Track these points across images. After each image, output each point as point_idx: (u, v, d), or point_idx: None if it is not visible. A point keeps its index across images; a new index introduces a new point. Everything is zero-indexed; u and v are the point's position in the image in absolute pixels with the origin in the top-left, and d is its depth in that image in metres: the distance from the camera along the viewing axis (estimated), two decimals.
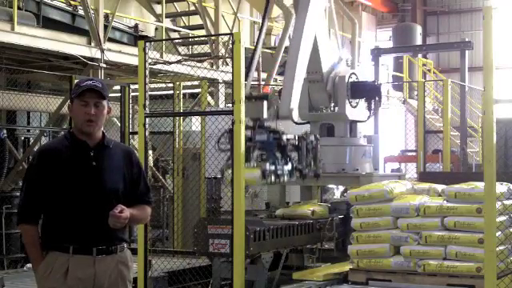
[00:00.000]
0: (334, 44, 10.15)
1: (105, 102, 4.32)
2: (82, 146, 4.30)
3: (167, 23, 15.60)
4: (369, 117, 9.21)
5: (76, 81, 9.48)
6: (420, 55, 22.17)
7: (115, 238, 4.31)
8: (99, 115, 4.29)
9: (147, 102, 7.40)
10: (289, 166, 7.60)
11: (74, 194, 4.22)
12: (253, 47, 16.66)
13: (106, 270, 4.26)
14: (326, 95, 8.93)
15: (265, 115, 7.78)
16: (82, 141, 4.30)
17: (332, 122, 9.00)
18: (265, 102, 7.80)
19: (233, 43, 6.83)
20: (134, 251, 7.29)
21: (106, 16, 12.54)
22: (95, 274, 4.22)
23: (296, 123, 8.95)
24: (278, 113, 7.96)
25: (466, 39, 18.39)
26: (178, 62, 9.47)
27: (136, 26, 14.16)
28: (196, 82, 14.11)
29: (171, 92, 12.44)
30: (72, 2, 12.82)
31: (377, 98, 9.06)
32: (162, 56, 12.41)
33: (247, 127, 7.22)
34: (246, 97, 7.02)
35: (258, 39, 9.26)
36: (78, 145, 4.30)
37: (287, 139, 7.61)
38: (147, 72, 7.44)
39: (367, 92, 9.04)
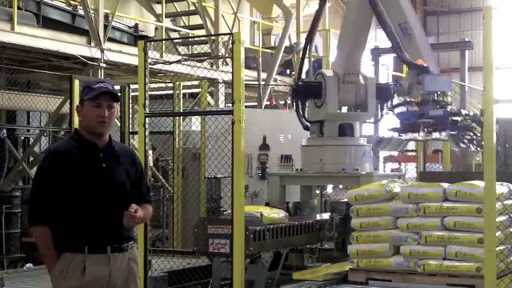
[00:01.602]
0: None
1: (115, 105, 4.41)
2: (92, 148, 4.34)
3: (167, 23, 15.61)
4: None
5: (76, 81, 9.56)
6: None
7: (125, 236, 4.38)
8: (111, 117, 4.36)
9: (147, 102, 7.41)
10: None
11: (86, 195, 4.25)
12: (253, 47, 16.74)
13: (119, 267, 4.32)
14: (354, 96, 8.94)
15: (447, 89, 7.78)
16: (91, 142, 4.34)
17: (354, 121, 8.99)
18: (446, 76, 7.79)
19: (233, 43, 6.83)
20: None
21: (106, 16, 12.55)
22: (110, 273, 4.27)
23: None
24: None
25: (466, 39, 18.39)
26: (178, 61, 9.46)
27: (136, 26, 14.17)
28: (196, 82, 14.11)
29: (171, 92, 12.44)
30: (72, 2, 12.82)
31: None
32: (161, 56, 12.41)
33: (421, 102, 7.24)
34: (423, 70, 7.09)
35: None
36: (87, 146, 4.33)
37: (466, 114, 7.55)
38: (147, 72, 7.44)
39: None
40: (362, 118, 9.06)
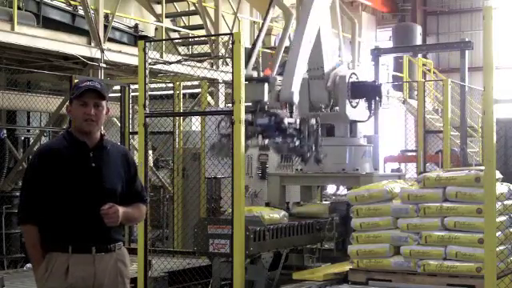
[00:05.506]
0: (336, 45, 10.15)
1: (104, 103, 4.35)
2: (82, 147, 4.32)
3: (167, 23, 15.60)
4: (369, 117, 9.22)
5: (76, 81, 9.56)
6: (420, 55, 22.14)
7: (112, 237, 4.35)
8: (99, 115, 4.31)
9: (147, 102, 7.40)
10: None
11: (72, 194, 4.25)
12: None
13: (105, 268, 4.30)
14: (326, 93, 8.92)
15: (265, 98, 7.73)
16: (81, 141, 4.32)
17: (332, 121, 9.00)
18: (266, 85, 7.74)
19: (233, 43, 6.82)
20: (134, 251, 7.30)
21: (106, 16, 12.54)
22: (95, 272, 4.25)
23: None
24: (278, 96, 7.89)
25: (466, 39, 18.38)
26: (178, 62, 9.44)
27: (136, 26, 14.16)
28: (196, 82, 14.11)
29: (171, 92, 12.44)
30: (72, 2, 12.82)
31: (377, 98, 9.07)
32: (161, 56, 12.40)
33: (247, 111, 7.18)
34: (246, 79, 6.96)
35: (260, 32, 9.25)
36: (77, 145, 4.32)
37: (289, 123, 7.55)
38: (147, 72, 7.44)
39: (367, 92, 9.04)
40: (336, 117, 9.02)
